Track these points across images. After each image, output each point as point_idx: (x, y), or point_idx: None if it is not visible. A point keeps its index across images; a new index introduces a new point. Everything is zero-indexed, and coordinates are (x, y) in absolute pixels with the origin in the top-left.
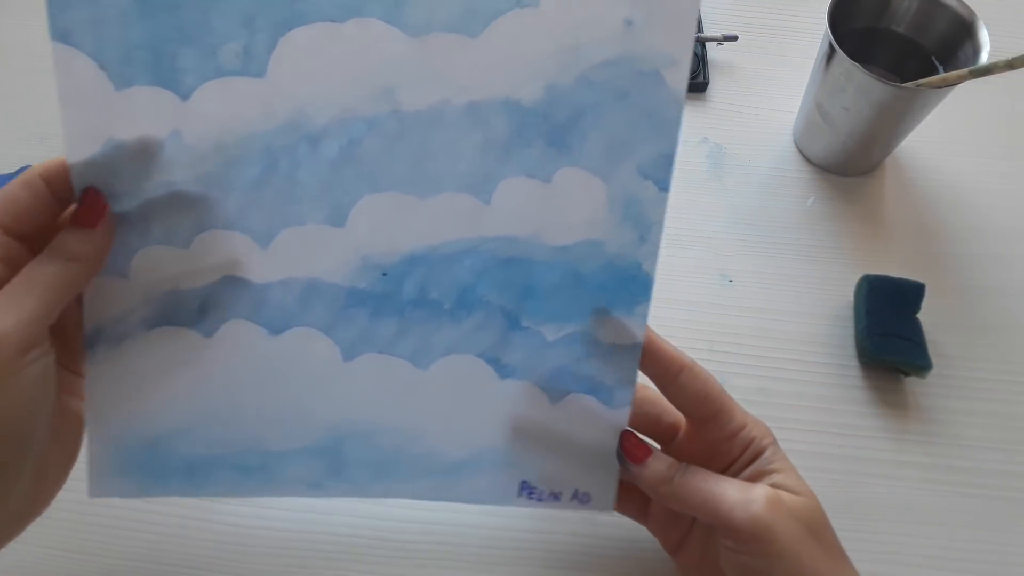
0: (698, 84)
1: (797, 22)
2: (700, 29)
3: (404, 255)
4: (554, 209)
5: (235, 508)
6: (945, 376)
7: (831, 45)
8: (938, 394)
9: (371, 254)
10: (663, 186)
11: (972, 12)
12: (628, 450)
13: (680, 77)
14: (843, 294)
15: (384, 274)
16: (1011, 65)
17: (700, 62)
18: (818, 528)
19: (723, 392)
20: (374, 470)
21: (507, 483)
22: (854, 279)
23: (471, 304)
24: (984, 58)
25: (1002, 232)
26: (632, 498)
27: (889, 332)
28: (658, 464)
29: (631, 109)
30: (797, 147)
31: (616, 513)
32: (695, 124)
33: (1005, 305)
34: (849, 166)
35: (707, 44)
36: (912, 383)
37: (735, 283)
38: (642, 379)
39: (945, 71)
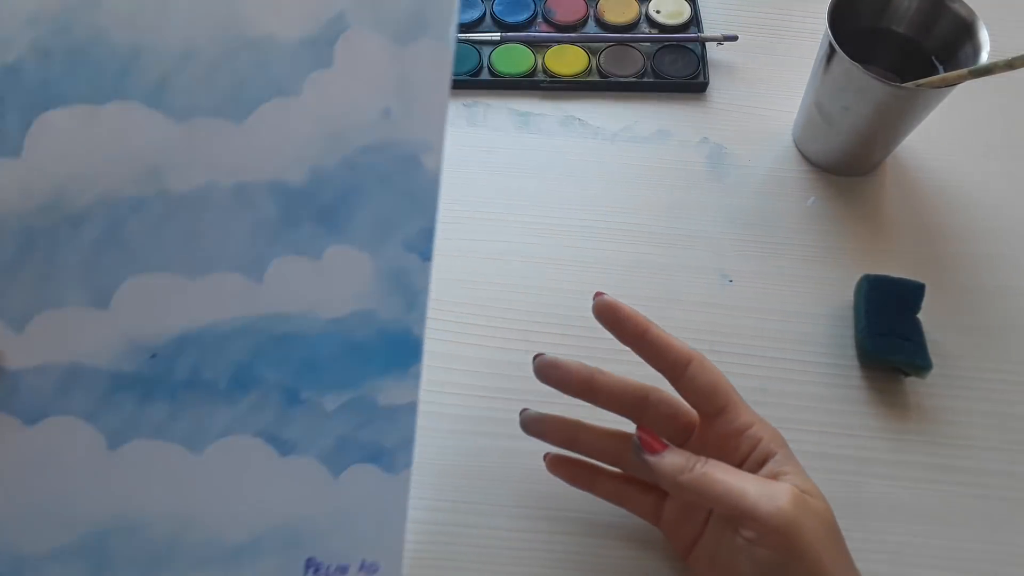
0: (698, 84)
1: (797, 22)
2: (700, 29)
3: (174, 336)
4: (326, 284)
5: None
6: (945, 376)
7: (831, 45)
8: (938, 394)
9: (138, 336)
10: (426, 256)
11: (972, 12)
12: (645, 442)
13: (436, 159)
14: (843, 294)
15: (153, 356)
16: (1011, 65)
17: (700, 62)
18: (835, 533)
19: (732, 388)
20: (145, 565)
21: (292, 563)
22: (854, 279)
23: (247, 383)
24: (984, 58)
25: (1002, 232)
26: (645, 499)
27: (889, 332)
28: (675, 455)
29: (393, 190)
30: (797, 147)
31: (616, 514)
32: (695, 124)
33: (1005, 305)
34: (849, 166)
35: (707, 44)
36: (912, 383)
37: (735, 283)
38: (655, 379)
39: (945, 71)
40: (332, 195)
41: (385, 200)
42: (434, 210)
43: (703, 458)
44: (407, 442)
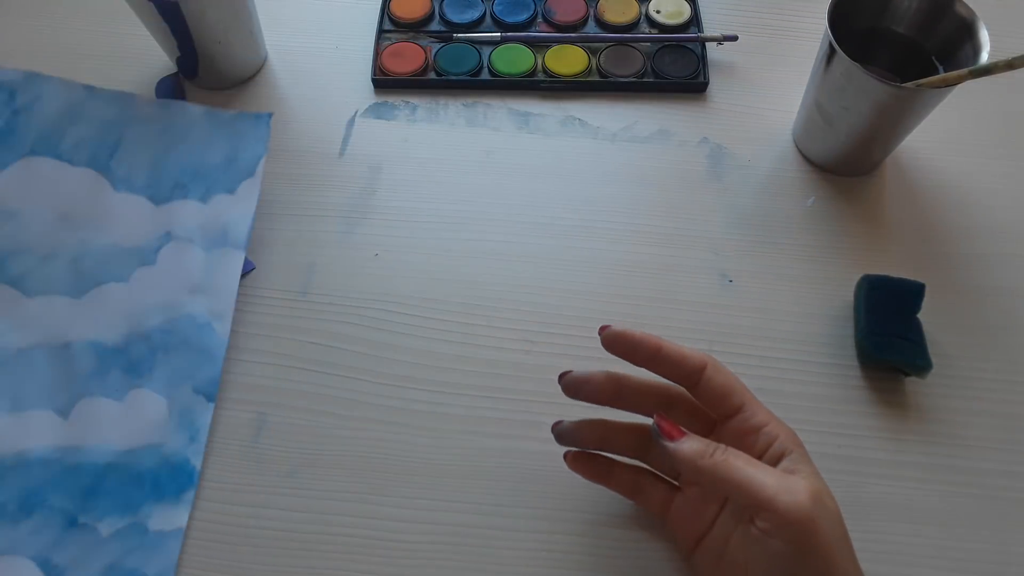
0: (698, 84)
1: (797, 22)
2: (700, 29)
3: None
4: (124, 421)
5: (233, 508)
6: (945, 376)
7: (831, 45)
8: (938, 394)
9: None
10: (210, 398)
11: (972, 12)
12: (664, 429)
13: (225, 325)
14: (843, 294)
15: None
16: (1011, 65)
17: (700, 62)
18: (845, 535)
19: (746, 388)
20: None
21: None
22: (854, 279)
23: (32, 506)
24: (984, 58)
25: (1002, 232)
26: (656, 492)
27: (889, 332)
28: (695, 440)
29: (190, 348)
30: (797, 147)
31: (615, 514)
32: (695, 124)
33: (1005, 305)
34: (849, 166)
35: (707, 44)
36: (912, 383)
37: (735, 283)
38: None
39: (945, 71)
40: (141, 352)
41: (183, 356)
42: (220, 361)
43: (723, 445)
44: (167, 572)
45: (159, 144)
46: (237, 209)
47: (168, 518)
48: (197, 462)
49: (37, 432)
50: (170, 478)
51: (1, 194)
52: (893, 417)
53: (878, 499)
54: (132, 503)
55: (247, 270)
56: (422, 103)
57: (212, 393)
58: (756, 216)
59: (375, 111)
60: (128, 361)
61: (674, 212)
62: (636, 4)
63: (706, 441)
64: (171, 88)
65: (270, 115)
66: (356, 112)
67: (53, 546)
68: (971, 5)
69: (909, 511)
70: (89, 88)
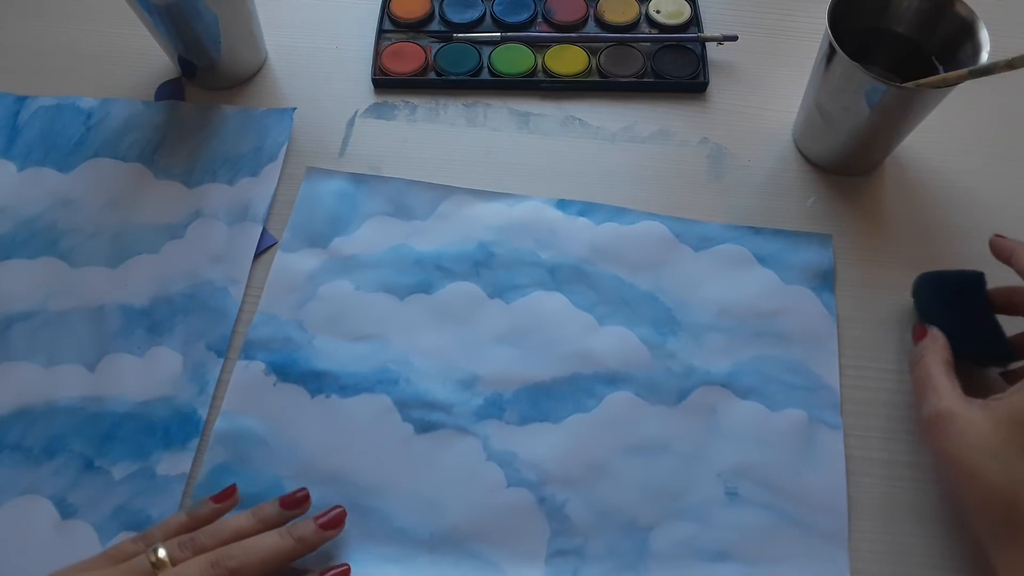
0: (698, 84)
1: (797, 22)
2: (700, 29)
3: (18, 408)
4: (143, 374)
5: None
6: None
7: (831, 45)
8: None
9: None
10: (221, 354)
11: (972, 12)
12: (914, 331)
13: (239, 289)
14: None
15: None
16: (1011, 65)
17: (700, 62)
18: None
19: None
20: None
21: None
22: (854, 279)
23: (55, 450)
24: (984, 58)
25: (1002, 232)
26: None
27: (969, 326)
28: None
29: (207, 309)
30: (797, 147)
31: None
32: (695, 124)
33: None
34: (849, 166)
35: (707, 44)
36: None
37: None
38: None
39: (945, 71)
40: (164, 313)
41: (201, 317)
42: (232, 321)
43: (922, 352)
44: (169, 514)
45: (196, 139)
46: (259, 189)
47: (174, 464)
48: (203, 412)
49: (66, 384)
50: (179, 427)
51: (67, 188)
52: (893, 417)
53: (878, 499)
54: (144, 449)
55: (269, 244)
56: (422, 103)
57: (222, 349)
58: (756, 216)
59: (375, 111)
60: (152, 321)
61: (674, 212)
62: (636, 4)
63: (921, 345)
64: (171, 92)
65: (294, 109)
66: (356, 112)
67: (70, 487)
68: (971, 5)
69: (909, 511)
70: (147, 103)
